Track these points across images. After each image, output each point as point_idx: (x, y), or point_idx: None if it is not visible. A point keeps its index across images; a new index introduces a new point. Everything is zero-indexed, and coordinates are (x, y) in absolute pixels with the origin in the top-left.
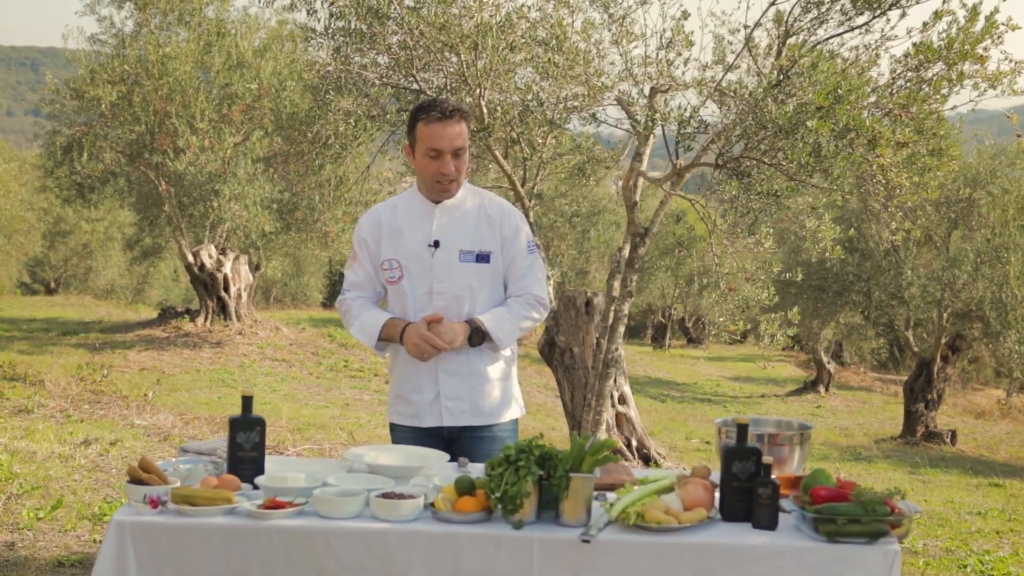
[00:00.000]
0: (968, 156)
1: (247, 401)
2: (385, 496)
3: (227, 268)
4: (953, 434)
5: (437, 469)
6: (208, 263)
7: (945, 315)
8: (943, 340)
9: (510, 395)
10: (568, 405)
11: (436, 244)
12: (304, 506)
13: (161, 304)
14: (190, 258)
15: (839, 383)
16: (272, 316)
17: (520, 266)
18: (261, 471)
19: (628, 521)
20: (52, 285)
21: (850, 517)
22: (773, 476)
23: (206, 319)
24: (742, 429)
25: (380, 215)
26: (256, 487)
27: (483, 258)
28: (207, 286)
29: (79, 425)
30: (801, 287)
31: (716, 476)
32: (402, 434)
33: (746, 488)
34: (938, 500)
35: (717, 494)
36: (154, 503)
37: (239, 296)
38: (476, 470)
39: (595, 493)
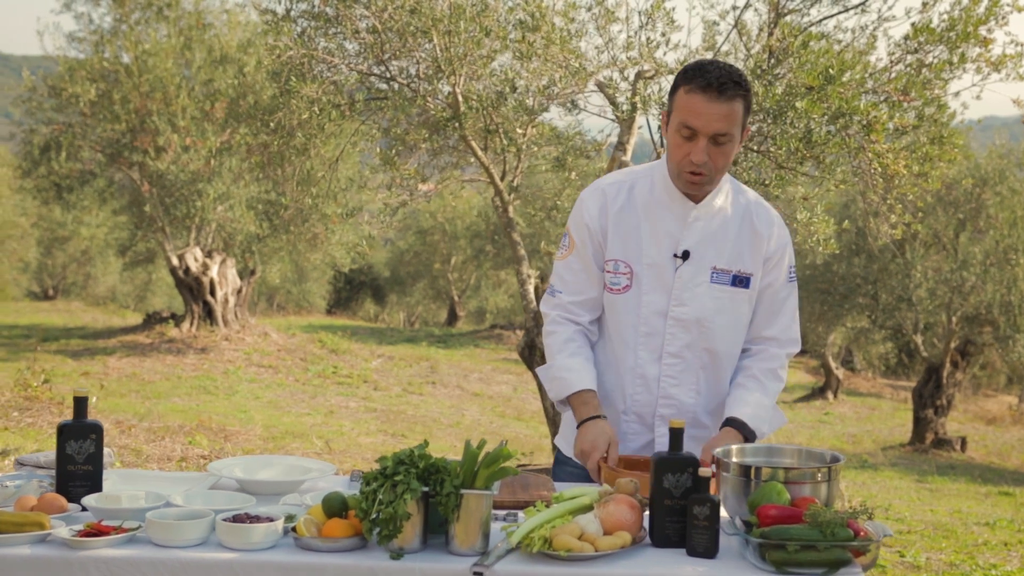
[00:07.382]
0: (979, 157)
1: (80, 403)
2: (235, 519)
3: (213, 272)
4: (963, 441)
5: (321, 485)
6: (193, 266)
7: (954, 319)
8: (952, 345)
9: None
10: (549, 411)
11: (685, 255)
12: (136, 532)
13: (163, 311)
14: (175, 261)
15: (848, 389)
16: (270, 322)
17: (779, 298)
18: (97, 488)
19: (532, 548)
20: (50, 292)
21: (804, 542)
22: (713, 492)
23: (191, 324)
24: (675, 434)
25: (608, 197)
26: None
27: (741, 281)
28: (192, 290)
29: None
30: (807, 290)
31: None
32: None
33: (680, 507)
34: (945, 510)
35: (647, 514)
36: None
37: (226, 301)
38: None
39: (504, 513)
